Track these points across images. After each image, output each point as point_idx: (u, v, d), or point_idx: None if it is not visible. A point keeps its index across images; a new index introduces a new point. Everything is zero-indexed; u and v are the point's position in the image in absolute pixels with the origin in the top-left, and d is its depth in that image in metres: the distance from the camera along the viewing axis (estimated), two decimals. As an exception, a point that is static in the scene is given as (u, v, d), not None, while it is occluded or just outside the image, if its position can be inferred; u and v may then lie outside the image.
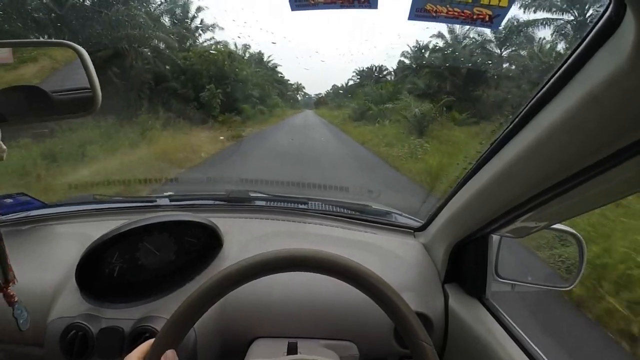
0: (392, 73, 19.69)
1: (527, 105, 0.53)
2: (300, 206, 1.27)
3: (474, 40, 14.25)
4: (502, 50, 13.40)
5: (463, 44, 14.63)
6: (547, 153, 0.51)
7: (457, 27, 13.31)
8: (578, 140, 0.46)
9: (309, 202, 1.30)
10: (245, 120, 15.06)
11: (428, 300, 0.92)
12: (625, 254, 2.96)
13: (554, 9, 11.29)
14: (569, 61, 0.44)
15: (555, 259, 1.07)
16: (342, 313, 0.90)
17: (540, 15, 11.48)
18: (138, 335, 0.81)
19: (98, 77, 0.74)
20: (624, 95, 0.38)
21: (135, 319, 0.84)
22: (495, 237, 0.89)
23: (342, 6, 0.96)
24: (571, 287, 0.89)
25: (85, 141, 7.67)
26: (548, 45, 12.06)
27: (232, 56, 16.42)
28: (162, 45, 13.27)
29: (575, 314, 2.64)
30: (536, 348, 0.73)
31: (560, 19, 11.40)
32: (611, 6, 0.36)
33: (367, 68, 21.29)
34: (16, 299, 0.72)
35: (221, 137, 10.82)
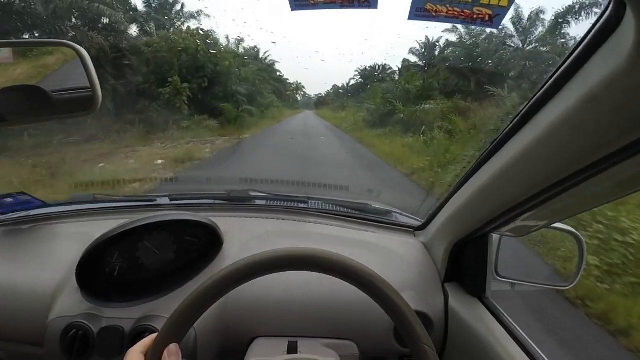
0: (397, 72, 18.47)
1: (527, 104, 0.53)
2: (300, 205, 1.27)
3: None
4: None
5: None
6: (547, 152, 0.51)
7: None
8: (578, 140, 0.46)
9: (309, 201, 1.30)
10: (224, 124, 11.97)
11: (428, 300, 0.92)
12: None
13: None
14: (569, 61, 0.44)
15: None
16: (342, 312, 0.90)
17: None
18: (138, 335, 0.81)
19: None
20: (624, 94, 0.38)
21: (135, 318, 0.84)
22: (495, 236, 0.89)
23: (342, 6, 0.96)
24: (571, 286, 0.89)
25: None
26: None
27: (210, 42, 13.26)
28: (119, 27, 10.06)
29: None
30: (536, 347, 0.74)
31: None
32: (611, 6, 0.36)
33: (370, 67, 20.54)
34: None
35: (159, 161, 6.52)
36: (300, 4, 0.95)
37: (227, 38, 15.86)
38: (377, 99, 15.22)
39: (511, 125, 0.58)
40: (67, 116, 0.89)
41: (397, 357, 0.91)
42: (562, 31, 12.11)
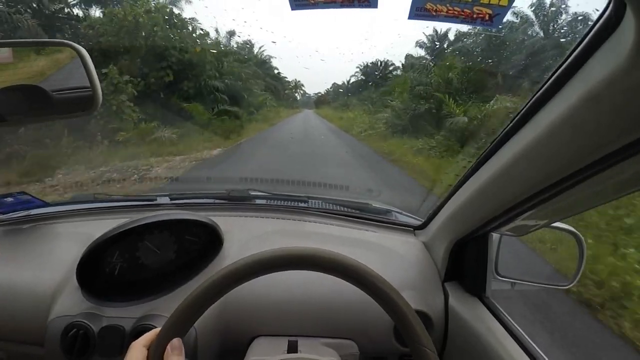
0: (401, 67, 16.62)
1: (527, 103, 0.53)
2: (300, 205, 1.27)
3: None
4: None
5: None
6: (548, 152, 0.51)
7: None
8: (578, 139, 0.46)
9: (309, 200, 1.30)
10: (189, 134, 8.64)
11: (428, 299, 0.92)
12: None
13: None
14: (569, 60, 0.44)
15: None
16: (342, 311, 0.90)
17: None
18: (139, 334, 0.81)
19: None
20: (624, 94, 0.38)
21: (136, 318, 0.85)
22: (495, 236, 0.89)
23: (342, 5, 0.96)
24: (571, 285, 0.89)
25: None
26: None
27: (177, 22, 10.12)
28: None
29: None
30: (535, 346, 0.74)
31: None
32: (611, 5, 0.36)
33: (372, 63, 19.32)
34: None
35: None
36: (300, 3, 0.95)
37: (216, 30, 13.73)
38: (404, 94, 11.00)
39: (511, 124, 0.58)
40: (67, 116, 0.89)
41: (397, 357, 0.92)
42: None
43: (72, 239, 1.03)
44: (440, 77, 10.19)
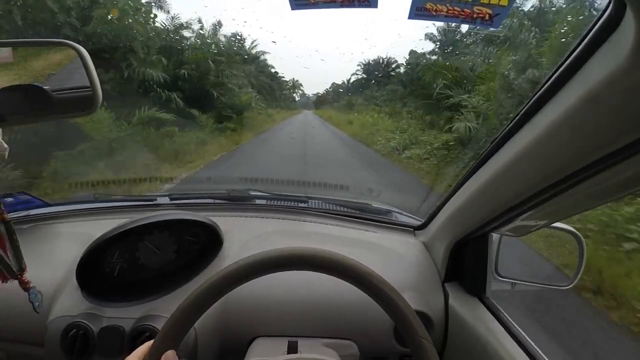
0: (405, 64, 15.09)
1: (527, 104, 0.53)
2: (300, 205, 1.27)
3: None
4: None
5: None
6: (547, 152, 0.51)
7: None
8: (578, 139, 0.46)
9: (309, 200, 1.30)
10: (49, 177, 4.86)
11: (428, 299, 0.92)
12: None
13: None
14: (569, 60, 0.44)
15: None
16: (342, 312, 0.90)
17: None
18: (138, 334, 0.82)
19: None
20: (624, 94, 0.38)
21: (135, 318, 0.85)
22: (495, 236, 0.89)
23: (342, 5, 0.96)
24: (571, 285, 0.89)
25: None
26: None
27: None
28: None
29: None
30: (535, 346, 0.74)
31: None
32: (611, 5, 0.36)
33: (373, 60, 18.00)
34: (31, 285, 0.76)
35: None
36: (300, 3, 0.95)
37: (199, 21, 10.44)
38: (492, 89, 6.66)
39: (511, 125, 0.58)
40: (67, 116, 0.89)
41: (397, 357, 0.91)
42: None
43: (72, 239, 1.03)
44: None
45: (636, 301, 2.58)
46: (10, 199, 1.16)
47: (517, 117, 0.56)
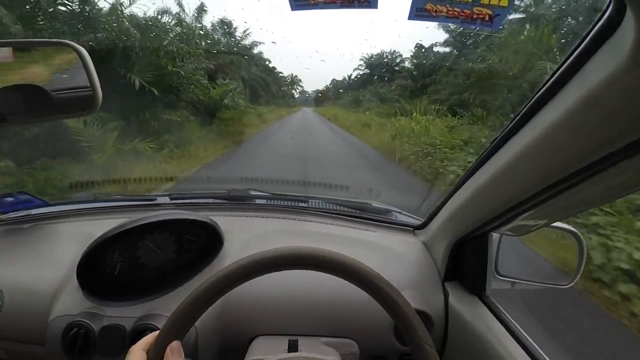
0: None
1: (527, 104, 0.53)
2: (300, 204, 1.27)
3: None
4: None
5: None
6: (547, 152, 0.52)
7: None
8: (578, 139, 0.46)
9: (309, 200, 1.30)
10: None
11: (428, 298, 0.93)
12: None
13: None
14: (569, 60, 0.44)
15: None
16: (342, 311, 0.90)
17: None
18: (139, 334, 0.82)
19: None
20: (624, 94, 0.38)
21: (136, 317, 0.85)
22: (495, 235, 0.89)
23: (342, 6, 0.96)
24: (571, 284, 0.89)
25: None
26: None
27: None
28: None
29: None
30: (535, 345, 0.74)
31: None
32: (611, 6, 0.36)
33: (377, 55, 17.27)
34: None
35: None
36: (300, 3, 0.95)
37: (179, 4, 8.88)
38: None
39: (511, 125, 0.58)
40: (67, 116, 0.89)
41: (397, 356, 0.92)
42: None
43: (73, 239, 1.03)
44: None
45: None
46: (10, 199, 1.16)
47: (518, 117, 0.56)
